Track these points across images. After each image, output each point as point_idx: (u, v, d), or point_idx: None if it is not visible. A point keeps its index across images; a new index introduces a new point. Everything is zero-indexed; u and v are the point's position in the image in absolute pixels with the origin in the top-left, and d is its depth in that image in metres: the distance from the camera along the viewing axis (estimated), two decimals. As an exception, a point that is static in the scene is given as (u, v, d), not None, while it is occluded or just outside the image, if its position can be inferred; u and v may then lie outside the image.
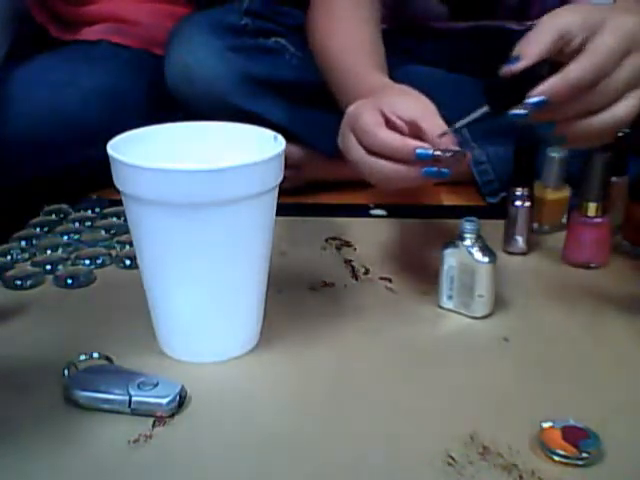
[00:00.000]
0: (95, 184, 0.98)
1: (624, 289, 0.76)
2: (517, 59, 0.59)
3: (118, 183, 0.60)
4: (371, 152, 0.67)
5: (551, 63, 0.58)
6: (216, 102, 0.96)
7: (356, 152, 0.68)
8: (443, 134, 0.65)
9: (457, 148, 0.65)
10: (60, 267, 0.80)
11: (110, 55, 1.06)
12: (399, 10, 1.08)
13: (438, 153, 0.64)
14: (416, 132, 0.66)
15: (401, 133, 0.67)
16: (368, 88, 0.76)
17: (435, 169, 0.65)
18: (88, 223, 0.91)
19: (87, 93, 0.99)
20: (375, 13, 0.92)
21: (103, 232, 0.89)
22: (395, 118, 0.67)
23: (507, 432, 0.54)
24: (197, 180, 0.57)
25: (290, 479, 0.51)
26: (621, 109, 0.58)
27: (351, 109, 0.70)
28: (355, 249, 0.85)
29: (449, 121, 0.66)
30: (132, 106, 1.02)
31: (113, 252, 0.84)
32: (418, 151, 0.64)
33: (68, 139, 0.98)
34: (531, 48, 0.59)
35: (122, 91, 1.02)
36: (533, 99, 0.58)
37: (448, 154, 0.64)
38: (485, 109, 0.62)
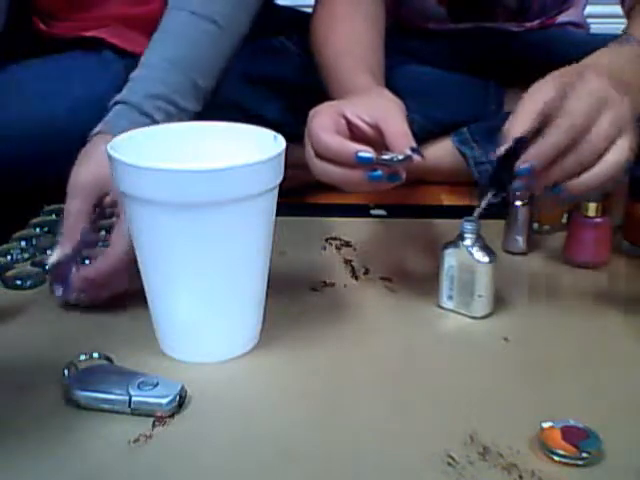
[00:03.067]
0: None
1: (624, 289, 0.76)
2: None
3: (118, 183, 0.60)
4: (319, 155, 0.66)
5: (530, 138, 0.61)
6: (216, 102, 0.96)
7: (307, 154, 0.67)
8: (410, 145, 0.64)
9: (407, 153, 0.63)
10: (60, 267, 0.80)
11: (108, 61, 1.05)
12: (397, 11, 1.08)
13: (385, 157, 0.63)
14: (379, 135, 0.66)
15: (364, 136, 0.66)
16: (351, 91, 0.75)
17: (380, 173, 0.64)
18: (88, 223, 0.91)
19: (76, 102, 0.99)
20: (378, 9, 0.91)
21: (103, 232, 0.88)
22: (358, 120, 0.67)
23: (507, 432, 0.54)
24: (197, 180, 0.57)
25: (290, 479, 0.51)
26: (612, 157, 0.61)
27: (311, 112, 0.69)
28: (355, 249, 0.85)
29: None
30: None
31: (113, 252, 0.84)
32: (359, 155, 0.63)
33: (59, 148, 0.98)
34: (514, 130, 0.62)
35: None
36: (520, 168, 0.61)
37: (396, 159, 0.63)
38: (492, 192, 0.65)
